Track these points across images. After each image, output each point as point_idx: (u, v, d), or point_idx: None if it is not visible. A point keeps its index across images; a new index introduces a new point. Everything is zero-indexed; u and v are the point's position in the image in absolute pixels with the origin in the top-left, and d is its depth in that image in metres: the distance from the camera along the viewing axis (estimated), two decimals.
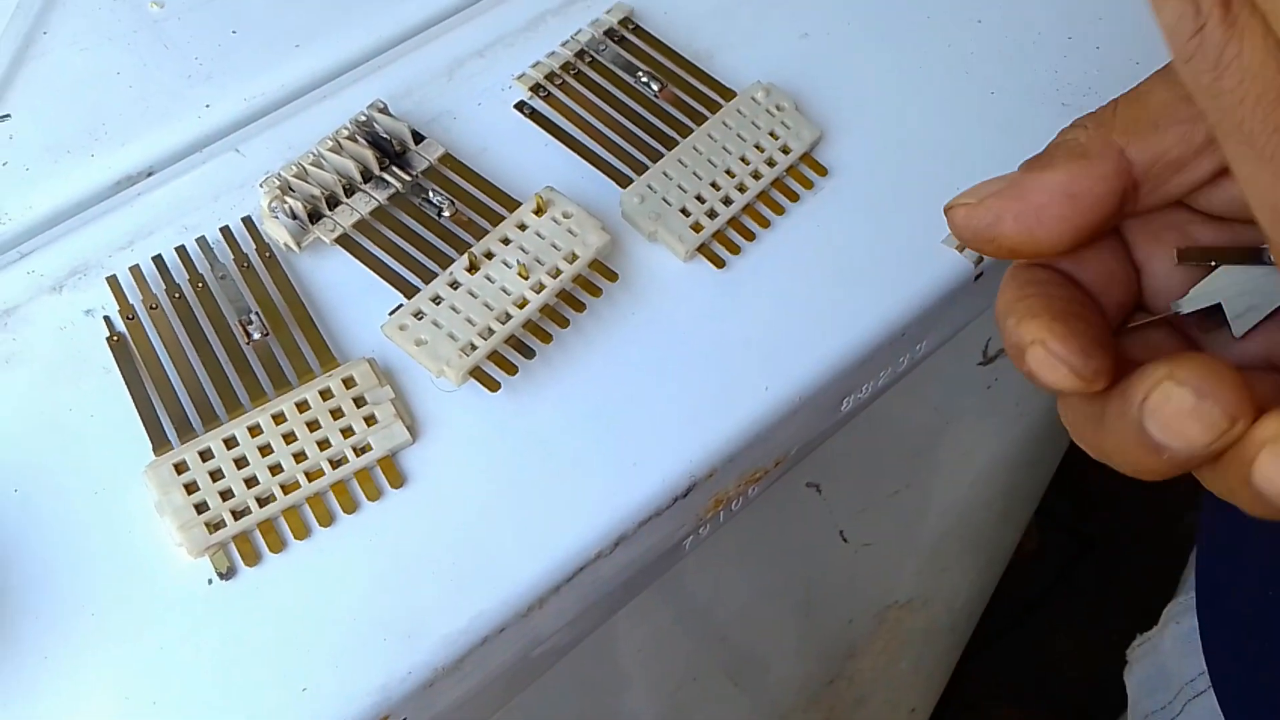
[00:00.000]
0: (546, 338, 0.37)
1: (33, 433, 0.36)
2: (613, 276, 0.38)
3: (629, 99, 0.42)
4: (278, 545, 0.34)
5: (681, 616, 0.59)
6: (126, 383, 0.36)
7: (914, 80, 0.44)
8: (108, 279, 0.38)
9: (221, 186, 0.40)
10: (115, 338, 0.37)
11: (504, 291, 0.37)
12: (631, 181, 0.40)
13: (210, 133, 0.42)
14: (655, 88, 0.42)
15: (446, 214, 0.39)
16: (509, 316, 0.37)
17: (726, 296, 0.39)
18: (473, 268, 0.37)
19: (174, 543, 0.34)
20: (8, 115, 0.42)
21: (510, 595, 0.34)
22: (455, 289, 0.37)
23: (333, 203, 0.39)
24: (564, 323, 0.37)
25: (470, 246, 0.38)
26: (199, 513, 0.34)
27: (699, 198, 0.40)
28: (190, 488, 0.34)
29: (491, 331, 0.36)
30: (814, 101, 0.43)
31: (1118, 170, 0.25)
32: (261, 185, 0.39)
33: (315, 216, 0.39)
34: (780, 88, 0.42)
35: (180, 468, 0.34)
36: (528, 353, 0.37)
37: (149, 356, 0.36)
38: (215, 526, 0.34)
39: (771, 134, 0.41)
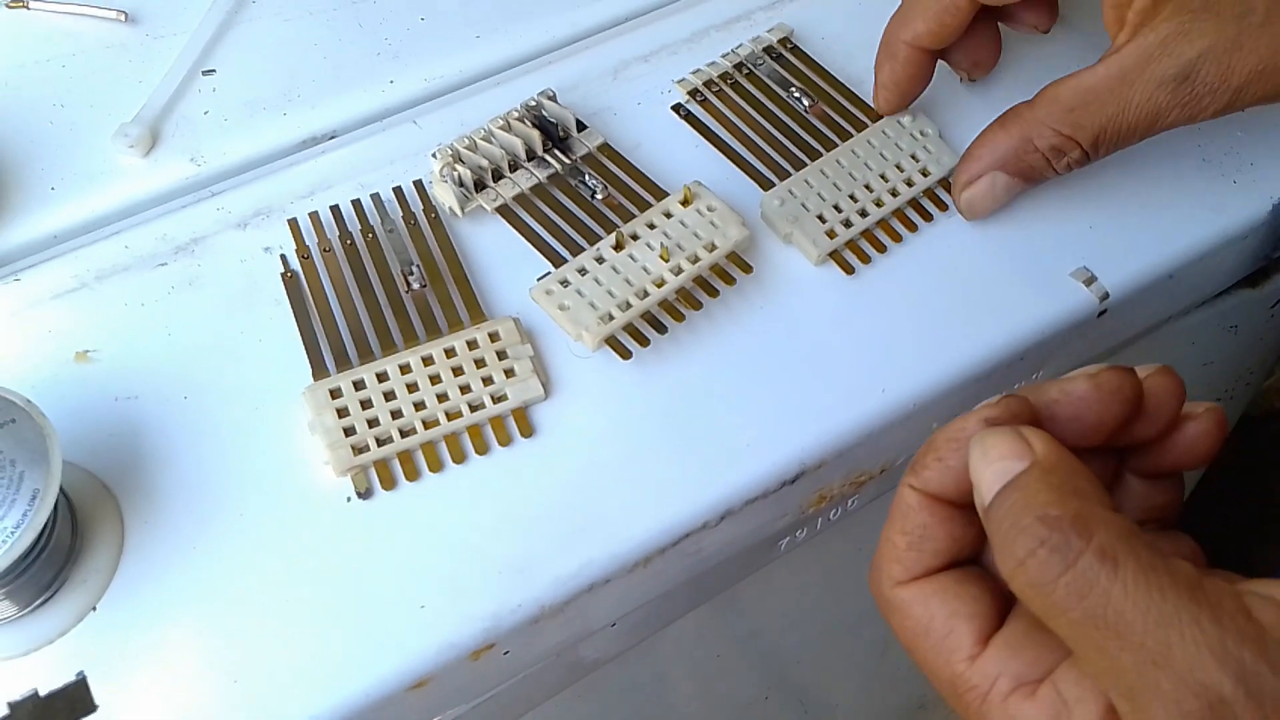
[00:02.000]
0: (679, 317, 0.39)
1: (206, 349, 0.39)
2: (747, 269, 0.40)
3: (779, 111, 0.44)
4: (413, 474, 0.37)
5: (759, 633, 0.60)
6: (294, 314, 0.39)
7: None
8: (288, 221, 0.41)
9: (397, 153, 0.44)
10: (289, 274, 0.40)
11: (645, 271, 0.39)
12: (773, 185, 0.42)
13: (392, 105, 0.46)
14: (806, 103, 0.44)
15: (599, 196, 0.42)
16: (647, 293, 0.39)
17: (852, 301, 0.41)
18: (619, 246, 0.40)
19: (321, 460, 0.37)
20: (213, 70, 0.47)
21: (619, 550, 0.36)
22: (600, 263, 0.40)
23: (497, 175, 0.42)
24: (696, 306, 0.40)
25: (618, 227, 0.40)
26: (346, 435, 0.37)
27: (836, 207, 0.42)
28: (341, 412, 0.37)
29: (629, 305, 0.39)
30: (956, 132, 0.45)
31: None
32: (434, 154, 0.42)
33: (480, 186, 0.42)
34: (925, 116, 0.44)
35: (335, 393, 0.37)
36: (660, 328, 0.39)
37: (317, 293, 0.40)
38: (360, 450, 0.36)
39: (913, 156, 0.43)
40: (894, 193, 0.42)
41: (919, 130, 0.43)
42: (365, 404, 0.37)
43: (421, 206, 0.42)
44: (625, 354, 0.38)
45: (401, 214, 0.42)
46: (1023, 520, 0.25)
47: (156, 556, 0.35)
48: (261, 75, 0.47)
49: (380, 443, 0.37)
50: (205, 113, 0.46)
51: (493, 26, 0.48)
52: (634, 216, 0.41)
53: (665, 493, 0.37)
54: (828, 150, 0.43)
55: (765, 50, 0.46)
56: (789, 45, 0.46)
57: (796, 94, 0.45)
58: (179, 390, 0.38)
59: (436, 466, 0.37)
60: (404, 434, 0.37)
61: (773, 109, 0.44)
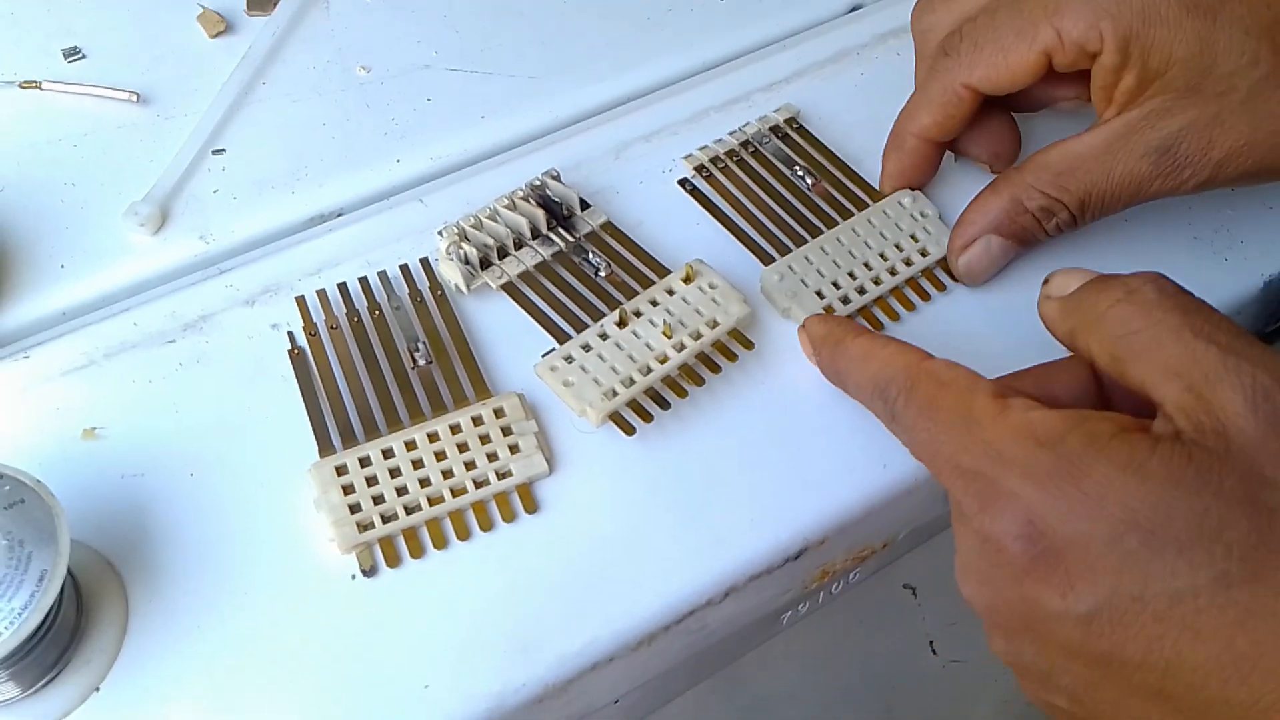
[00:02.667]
0: (682, 393, 0.40)
1: (213, 426, 0.39)
2: (749, 345, 0.41)
3: (783, 188, 0.45)
4: (418, 551, 0.37)
5: (761, 704, 0.59)
6: (301, 391, 0.40)
7: None
8: (296, 298, 0.42)
9: (404, 230, 0.45)
10: (296, 351, 0.41)
11: (648, 347, 0.40)
12: (774, 260, 0.43)
13: (399, 183, 0.47)
14: (809, 181, 0.45)
15: (603, 274, 0.42)
16: (650, 370, 0.39)
17: None
18: (622, 323, 0.40)
19: (326, 538, 0.37)
20: (223, 150, 0.48)
21: (624, 627, 0.36)
22: (604, 340, 0.40)
23: (502, 253, 0.43)
24: (699, 382, 0.40)
25: (622, 304, 0.41)
26: (352, 513, 0.37)
27: (835, 284, 0.42)
28: (347, 489, 0.37)
29: (633, 381, 0.39)
30: (955, 213, 0.45)
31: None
32: (440, 232, 0.43)
33: (485, 264, 0.42)
34: (925, 198, 0.45)
35: (340, 470, 0.38)
36: (663, 404, 0.39)
37: (324, 370, 0.40)
38: (365, 527, 0.37)
39: (913, 236, 0.44)
40: (892, 271, 0.43)
41: (919, 211, 0.44)
42: (370, 480, 0.37)
43: (428, 284, 0.43)
44: (629, 430, 0.39)
45: (408, 291, 0.42)
46: (1133, 275, 0.31)
47: (161, 635, 0.35)
48: (270, 154, 0.48)
49: (385, 520, 0.37)
50: (215, 191, 0.46)
51: (497, 107, 0.50)
52: (637, 293, 0.42)
53: (669, 570, 0.37)
54: (828, 228, 0.44)
55: (772, 129, 0.47)
56: (795, 125, 0.47)
57: (800, 172, 0.46)
58: (185, 467, 0.38)
59: (441, 543, 0.37)
60: (409, 511, 0.37)
61: (776, 186, 0.45)
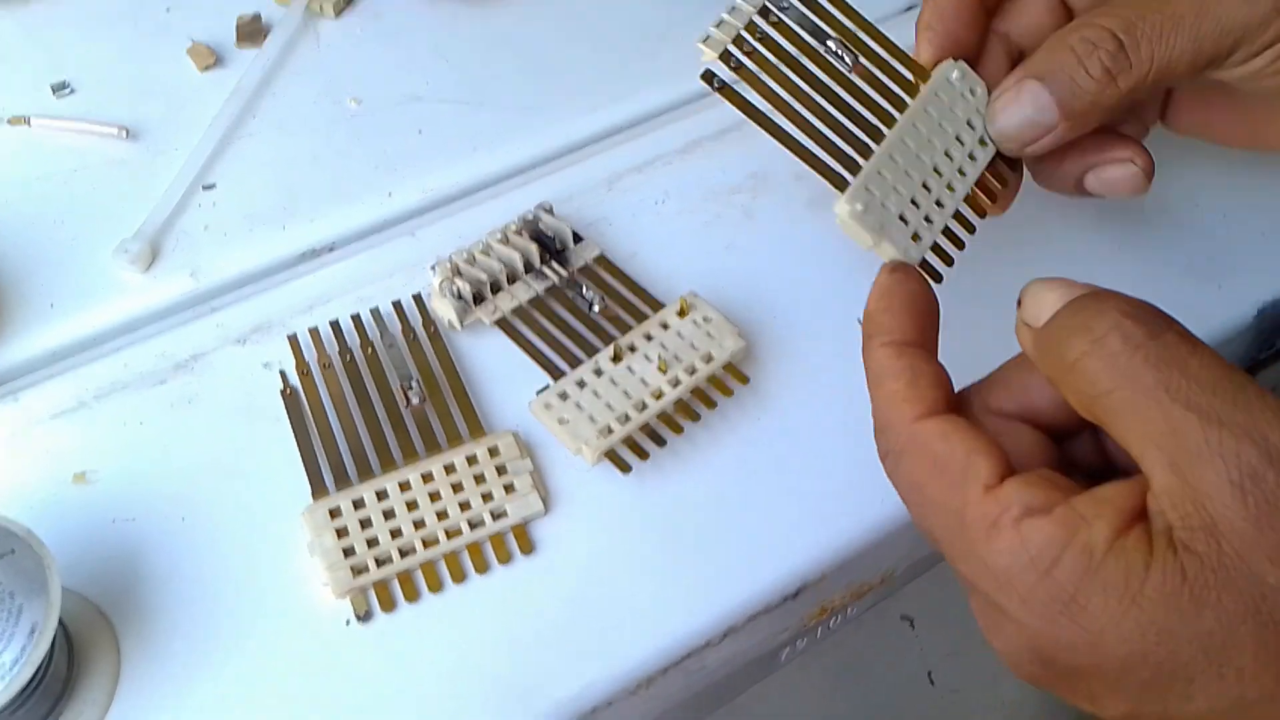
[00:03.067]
0: (677, 429, 0.39)
1: (205, 468, 0.39)
2: (744, 380, 0.41)
3: (823, 73, 0.39)
4: (413, 595, 0.36)
5: None
6: (294, 431, 0.39)
7: (1054, 240, 0.46)
8: (288, 337, 0.42)
9: (396, 265, 0.44)
10: (288, 390, 0.41)
11: (643, 383, 0.40)
12: (845, 183, 0.35)
13: (390, 217, 0.47)
14: (848, 60, 0.40)
15: (597, 308, 0.42)
16: (645, 406, 0.39)
17: (852, 412, 0.41)
18: (617, 358, 0.40)
19: (320, 582, 0.36)
20: (214, 185, 0.48)
21: (621, 670, 0.36)
22: (599, 376, 0.40)
23: (495, 288, 0.42)
24: (694, 417, 0.40)
25: (616, 339, 0.41)
26: (346, 556, 0.36)
27: (914, 201, 0.35)
28: (341, 533, 0.37)
29: (628, 418, 0.39)
30: None
31: None
32: (433, 267, 0.42)
33: (478, 299, 0.42)
34: (973, 72, 0.37)
35: (334, 513, 0.37)
36: (659, 441, 0.39)
37: (316, 410, 0.40)
38: (359, 571, 0.36)
39: (969, 123, 0.37)
40: (961, 171, 0.36)
41: (969, 88, 0.37)
42: (365, 523, 0.37)
43: (420, 320, 0.42)
44: (625, 468, 0.38)
45: (400, 328, 0.42)
46: (1101, 307, 0.27)
47: (153, 685, 0.35)
48: (261, 189, 0.47)
49: (380, 563, 0.37)
50: (205, 227, 0.46)
51: (488, 139, 0.49)
52: (631, 328, 0.41)
53: (667, 610, 0.37)
54: (887, 125, 0.36)
55: None
56: None
57: (835, 48, 0.42)
58: (177, 511, 0.38)
59: (436, 586, 0.37)
60: (403, 553, 0.37)
61: (816, 72, 0.39)
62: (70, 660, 0.34)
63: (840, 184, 0.34)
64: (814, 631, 0.44)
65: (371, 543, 0.37)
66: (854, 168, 0.34)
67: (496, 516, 0.38)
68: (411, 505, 0.37)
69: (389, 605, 0.36)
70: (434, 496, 0.38)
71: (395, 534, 0.37)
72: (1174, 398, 0.25)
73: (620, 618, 0.37)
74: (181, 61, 0.51)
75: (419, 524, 0.37)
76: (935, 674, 0.66)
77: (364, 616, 0.36)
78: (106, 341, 0.43)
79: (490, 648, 0.36)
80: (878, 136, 0.35)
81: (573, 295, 0.43)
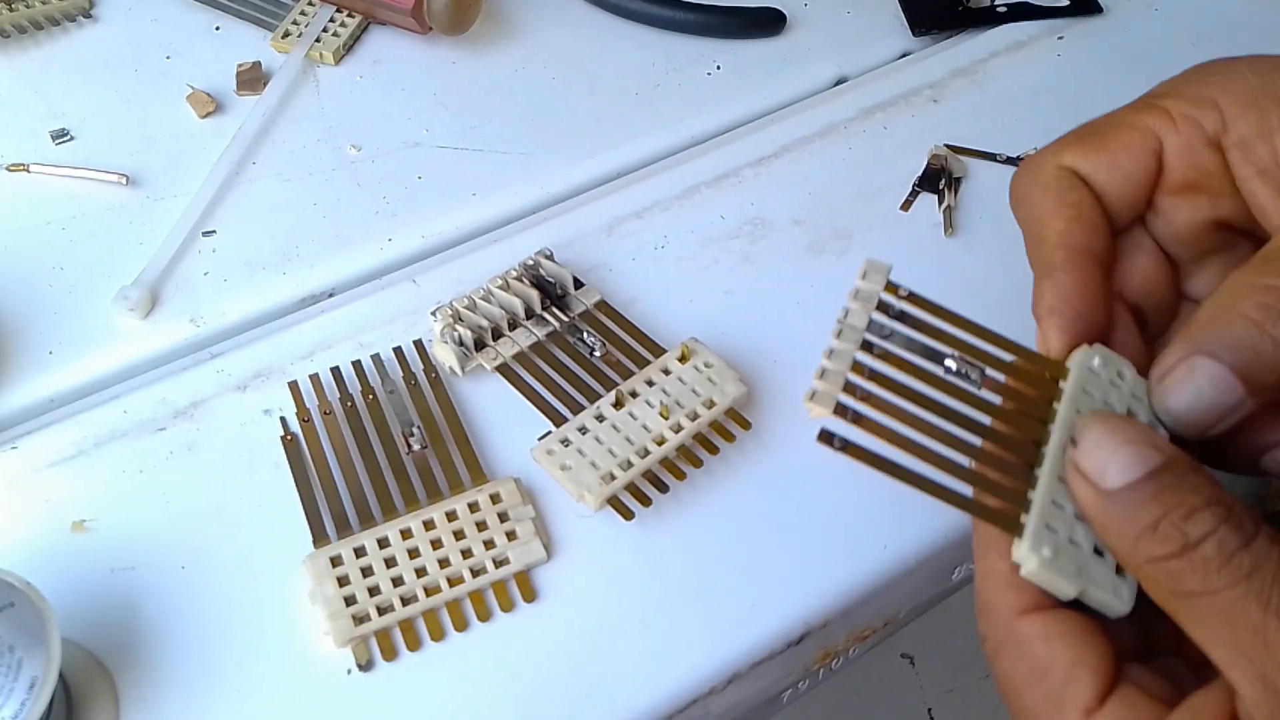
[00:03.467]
0: (680, 475, 0.39)
1: (205, 516, 0.39)
2: (746, 425, 0.41)
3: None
4: (415, 644, 0.36)
5: None
6: (295, 478, 0.39)
7: None
8: (289, 384, 0.42)
9: (397, 311, 0.44)
10: (289, 437, 0.40)
11: (645, 429, 0.40)
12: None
13: (390, 263, 0.47)
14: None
15: (598, 354, 0.42)
16: (648, 452, 0.39)
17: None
18: (619, 404, 0.40)
19: (321, 631, 0.36)
20: (213, 231, 0.48)
21: (625, 719, 0.36)
22: (601, 422, 0.40)
23: (496, 335, 0.42)
24: (697, 463, 0.40)
25: (618, 385, 0.41)
26: (347, 605, 0.36)
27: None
28: (342, 581, 0.37)
29: (631, 464, 0.39)
30: None
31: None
32: (434, 313, 0.42)
33: (479, 345, 0.42)
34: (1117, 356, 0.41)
35: (335, 561, 0.37)
36: (662, 487, 0.39)
37: (317, 456, 0.40)
38: (361, 619, 0.36)
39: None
40: None
41: (1117, 372, 0.30)
42: (366, 571, 0.37)
43: (422, 366, 0.42)
44: (628, 515, 0.38)
45: (402, 374, 0.42)
46: (1194, 502, 0.25)
47: None
48: (261, 235, 0.47)
49: (381, 611, 0.36)
50: (205, 273, 0.46)
51: (488, 184, 0.50)
52: (633, 374, 0.41)
53: (671, 657, 0.37)
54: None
55: None
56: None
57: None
58: (177, 560, 0.38)
59: (438, 635, 0.36)
60: (405, 602, 0.37)
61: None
62: (69, 712, 0.33)
63: (1012, 525, 0.27)
64: (816, 674, 0.44)
65: (373, 591, 0.36)
66: (1021, 500, 0.27)
67: (499, 564, 0.37)
68: (413, 553, 0.37)
69: (391, 654, 0.36)
70: (436, 544, 0.38)
71: (397, 582, 0.37)
72: (1266, 609, 0.24)
73: (623, 666, 0.36)
74: (181, 109, 0.51)
75: (421, 571, 0.37)
76: (935, 711, 0.66)
77: (366, 666, 0.36)
78: (106, 388, 0.42)
79: (493, 697, 0.35)
80: (1034, 457, 0.28)
81: (574, 341, 0.43)
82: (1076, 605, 0.27)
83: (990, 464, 0.28)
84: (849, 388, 0.28)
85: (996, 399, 0.28)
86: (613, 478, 0.39)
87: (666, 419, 0.40)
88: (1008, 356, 0.29)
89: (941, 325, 0.29)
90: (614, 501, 0.38)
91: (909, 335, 0.29)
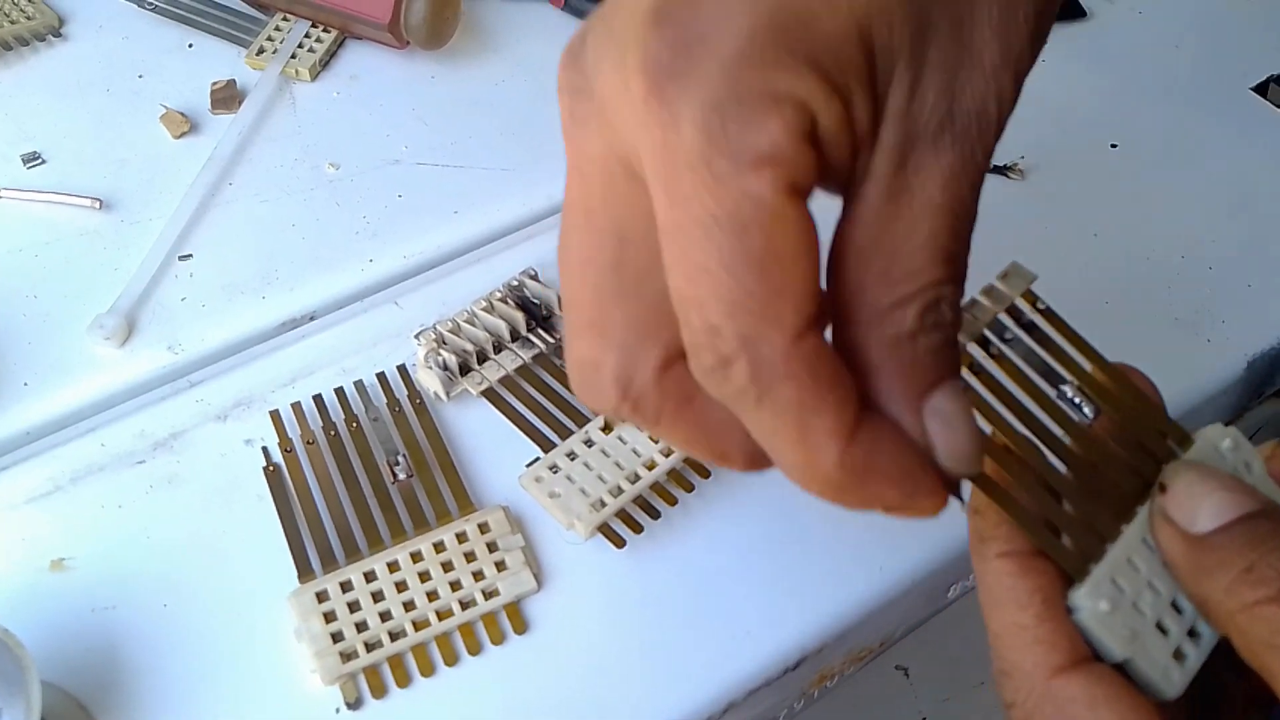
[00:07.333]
0: (672, 501, 0.39)
1: (186, 551, 0.38)
2: None
3: None
4: (404, 680, 0.35)
5: None
6: (278, 511, 0.38)
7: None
8: (270, 413, 0.41)
9: (379, 334, 0.44)
10: (271, 468, 0.40)
11: (635, 453, 0.39)
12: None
13: (371, 285, 0.46)
14: None
15: None
16: (638, 477, 0.39)
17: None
18: (607, 428, 0.40)
19: (308, 669, 0.35)
20: (190, 255, 0.47)
21: None
22: (589, 447, 0.39)
23: (481, 358, 0.42)
24: (689, 487, 0.39)
25: None
26: (334, 642, 0.35)
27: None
28: (329, 617, 0.36)
29: (621, 490, 0.38)
30: None
31: None
32: (418, 337, 0.42)
33: (464, 369, 0.41)
34: None
35: (321, 597, 0.36)
36: (653, 514, 0.38)
37: (301, 487, 0.39)
38: (348, 657, 0.35)
39: None
40: None
41: None
42: (353, 606, 0.36)
43: (406, 392, 0.42)
44: (619, 542, 0.38)
45: (386, 400, 0.41)
46: None
47: None
48: (239, 258, 0.47)
49: (369, 648, 0.36)
50: (183, 299, 0.45)
51: (470, 202, 0.49)
52: None
53: (666, 688, 0.36)
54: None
55: None
56: None
57: None
58: (158, 598, 0.37)
59: (428, 670, 0.36)
60: (394, 637, 0.36)
61: None
62: None
63: (1078, 568, 0.25)
64: (812, 695, 0.43)
65: (360, 626, 0.36)
66: (1096, 549, 0.25)
67: (488, 595, 0.37)
68: (401, 586, 0.37)
69: (380, 691, 0.35)
70: (424, 576, 0.37)
71: (385, 617, 0.36)
72: None
73: (618, 697, 0.36)
74: (155, 129, 0.50)
75: (409, 605, 0.36)
76: None
77: (354, 704, 0.35)
78: (82, 420, 0.41)
79: None
80: (1125, 514, 0.26)
81: (560, 363, 0.42)
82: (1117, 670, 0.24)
83: (1076, 500, 0.25)
84: None
85: (1105, 442, 0.26)
86: (603, 504, 0.38)
87: (657, 443, 0.39)
88: (1132, 403, 0.27)
89: (1070, 351, 0.27)
90: (605, 529, 0.38)
91: (1031, 347, 0.27)
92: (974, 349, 0.26)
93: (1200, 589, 0.24)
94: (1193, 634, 0.25)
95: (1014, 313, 0.27)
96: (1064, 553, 0.25)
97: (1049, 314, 0.27)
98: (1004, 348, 0.26)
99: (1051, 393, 0.27)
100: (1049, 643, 0.24)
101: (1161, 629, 0.25)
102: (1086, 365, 0.27)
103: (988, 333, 0.26)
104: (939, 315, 0.22)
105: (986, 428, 0.25)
